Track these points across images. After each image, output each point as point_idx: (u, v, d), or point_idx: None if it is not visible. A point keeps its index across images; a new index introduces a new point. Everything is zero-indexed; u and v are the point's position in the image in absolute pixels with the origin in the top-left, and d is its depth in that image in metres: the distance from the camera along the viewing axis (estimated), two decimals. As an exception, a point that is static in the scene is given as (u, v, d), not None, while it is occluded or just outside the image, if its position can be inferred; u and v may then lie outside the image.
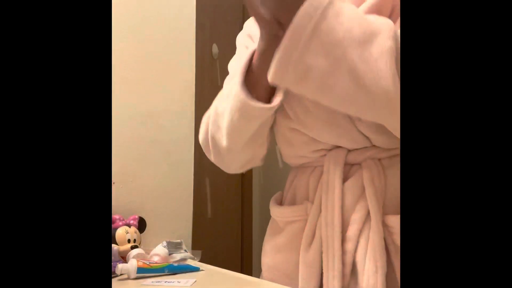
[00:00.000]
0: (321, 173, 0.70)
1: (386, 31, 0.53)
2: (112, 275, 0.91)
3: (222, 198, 2.13)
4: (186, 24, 1.58)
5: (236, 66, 0.73)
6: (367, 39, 0.52)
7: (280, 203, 0.79)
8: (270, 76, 0.54)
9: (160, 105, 1.49)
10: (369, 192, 0.65)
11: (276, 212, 0.76)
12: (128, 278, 0.90)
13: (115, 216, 1.21)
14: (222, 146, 0.69)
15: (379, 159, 0.68)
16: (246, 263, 2.33)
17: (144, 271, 0.91)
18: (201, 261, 1.16)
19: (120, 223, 1.18)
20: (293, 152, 0.74)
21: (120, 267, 0.90)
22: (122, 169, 1.37)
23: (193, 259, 1.15)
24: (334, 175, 0.67)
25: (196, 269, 0.99)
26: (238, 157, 0.72)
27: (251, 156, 0.72)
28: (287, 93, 0.66)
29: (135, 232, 1.17)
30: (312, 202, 0.70)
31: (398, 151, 0.67)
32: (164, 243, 1.17)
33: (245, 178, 2.24)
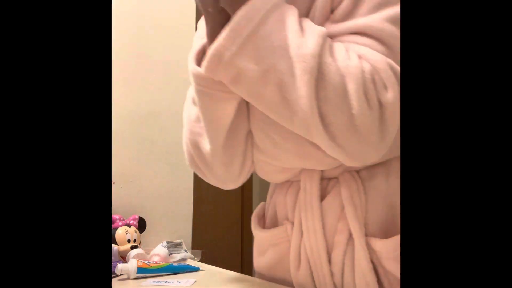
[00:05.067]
0: (298, 189, 0.67)
1: (312, 49, 0.50)
2: (112, 275, 0.91)
3: (222, 198, 2.13)
4: (186, 24, 1.58)
5: None
6: (295, 52, 0.51)
7: (263, 218, 0.77)
8: (203, 70, 0.54)
9: (160, 105, 1.49)
10: (348, 212, 0.61)
11: (258, 236, 0.74)
12: (128, 278, 0.90)
13: (115, 216, 1.21)
14: (207, 150, 0.65)
15: (357, 171, 0.64)
16: (246, 263, 2.33)
17: (144, 271, 0.91)
18: (201, 261, 1.16)
19: (120, 223, 1.18)
20: (267, 177, 0.72)
21: (120, 267, 0.90)
22: (122, 169, 1.37)
23: (193, 259, 1.15)
24: (311, 194, 0.64)
25: (196, 269, 0.99)
26: (227, 159, 0.66)
27: (241, 156, 0.67)
28: (254, 125, 0.64)
29: (135, 232, 1.17)
30: (292, 222, 0.67)
31: (376, 162, 0.63)
32: (164, 243, 1.17)
33: (245, 178, 2.23)
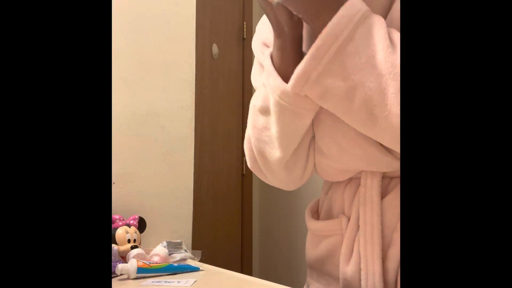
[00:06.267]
0: (358, 186, 0.66)
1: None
2: (112, 275, 0.91)
3: (222, 198, 2.13)
4: (186, 24, 1.58)
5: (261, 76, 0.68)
6: (388, 70, 0.49)
7: (317, 212, 0.76)
8: (290, 87, 0.54)
9: (160, 105, 1.49)
10: None
11: (311, 226, 0.74)
12: (128, 278, 0.90)
13: (115, 216, 1.21)
14: (275, 159, 0.66)
15: None
16: (246, 263, 2.33)
17: (144, 271, 0.91)
18: (201, 261, 1.16)
19: (120, 223, 1.18)
20: (328, 177, 0.71)
21: (120, 267, 0.90)
22: (122, 169, 1.37)
23: (193, 259, 1.15)
24: (372, 190, 0.63)
25: (196, 269, 0.99)
26: (292, 165, 0.67)
27: (305, 160, 0.68)
28: (318, 130, 0.64)
29: (135, 232, 1.17)
30: (348, 217, 0.66)
31: None
32: (164, 243, 1.17)
33: (245, 178, 2.24)
